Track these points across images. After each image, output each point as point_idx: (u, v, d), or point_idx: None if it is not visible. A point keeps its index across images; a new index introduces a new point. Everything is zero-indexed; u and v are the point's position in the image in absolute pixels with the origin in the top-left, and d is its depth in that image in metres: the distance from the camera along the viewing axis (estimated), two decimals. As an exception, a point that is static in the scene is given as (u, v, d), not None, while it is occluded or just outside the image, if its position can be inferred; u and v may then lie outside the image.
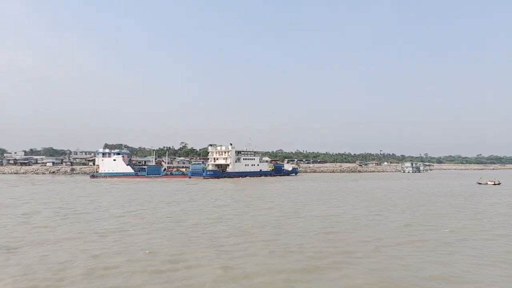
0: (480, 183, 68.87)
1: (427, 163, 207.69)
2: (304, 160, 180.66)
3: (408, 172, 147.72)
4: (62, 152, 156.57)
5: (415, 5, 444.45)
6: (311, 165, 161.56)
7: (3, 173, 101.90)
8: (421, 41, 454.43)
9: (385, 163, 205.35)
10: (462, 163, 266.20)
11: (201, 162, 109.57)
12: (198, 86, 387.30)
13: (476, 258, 15.43)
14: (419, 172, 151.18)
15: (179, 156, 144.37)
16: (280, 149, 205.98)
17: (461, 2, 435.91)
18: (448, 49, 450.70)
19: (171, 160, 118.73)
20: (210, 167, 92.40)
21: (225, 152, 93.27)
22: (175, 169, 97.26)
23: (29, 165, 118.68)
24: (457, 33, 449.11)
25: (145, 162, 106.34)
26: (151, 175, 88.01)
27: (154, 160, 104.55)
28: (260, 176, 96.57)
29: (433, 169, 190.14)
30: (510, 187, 61.87)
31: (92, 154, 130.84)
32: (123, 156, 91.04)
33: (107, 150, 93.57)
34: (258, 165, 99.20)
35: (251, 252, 16.06)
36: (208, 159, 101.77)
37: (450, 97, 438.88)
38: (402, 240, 18.55)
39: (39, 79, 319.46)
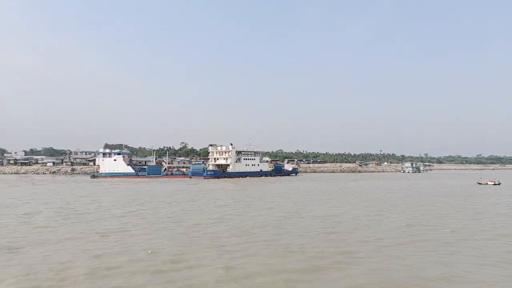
0: (480, 183, 68.88)
1: (427, 163, 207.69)
2: (304, 160, 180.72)
3: (408, 172, 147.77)
4: (62, 152, 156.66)
5: (415, 5, 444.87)
6: (311, 165, 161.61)
7: (4, 173, 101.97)
8: (421, 41, 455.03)
9: (385, 163, 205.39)
10: (462, 163, 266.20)
11: (201, 162, 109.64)
12: (198, 86, 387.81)
13: (477, 258, 15.45)
14: (419, 172, 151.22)
15: (179, 156, 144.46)
16: (280, 149, 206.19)
17: (461, 2, 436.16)
18: (448, 49, 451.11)
19: (172, 160, 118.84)
20: (210, 167, 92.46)
21: (225, 152, 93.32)
22: (176, 169, 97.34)
23: (29, 165, 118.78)
24: (457, 33, 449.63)
25: (145, 162, 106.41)
26: (151, 175, 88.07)
27: (154, 160, 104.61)
28: (261, 176, 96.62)
29: (433, 169, 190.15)
30: (510, 187, 61.89)
31: (92, 154, 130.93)
32: (123, 156, 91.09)
33: (107, 150, 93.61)
34: (258, 165, 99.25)
35: (252, 252, 16.09)
36: (209, 159, 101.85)
37: (450, 97, 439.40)
38: (403, 240, 18.58)
39: (39, 79, 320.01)
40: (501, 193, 49.58)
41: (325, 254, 15.80)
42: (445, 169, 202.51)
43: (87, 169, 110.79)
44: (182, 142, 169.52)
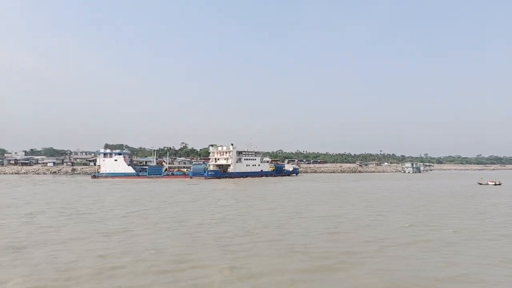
0: (481, 184, 68.93)
1: (427, 164, 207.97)
2: (304, 160, 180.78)
3: (409, 172, 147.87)
4: (63, 152, 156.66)
5: (415, 5, 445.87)
6: (311, 165, 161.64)
7: (4, 173, 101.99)
8: (421, 41, 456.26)
9: (386, 163, 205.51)
10: (462, 163, 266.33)
11: (202, 163, 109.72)
12: (198, 86, 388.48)
13: (481, 258, 15.47)
14: (420, 172, 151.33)
15: (180, 156, 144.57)
16: (280, 149, 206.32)
17: (461, 2, 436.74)
18: (448, 49, 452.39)
19: (172, 161, 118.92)
20: (211, 168, 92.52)
21: (226, 153, 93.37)
22: (176, 169, 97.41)
23: (30, 165, 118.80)
24: (457, 33, 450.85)
25: (146, 162, 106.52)
26: (152, 176, 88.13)
27: (155, 160, 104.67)
28: (261, 176, 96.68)
29: (433, 170, 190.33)
30: (511, 187, 61.91)
31: (93, 154, 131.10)
32: (124, 157, 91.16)
33: (108, 151, 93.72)
34: (259, 165, 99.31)
35: (256, 252, 16.11)
36: (209, 159, 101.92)
37: (450, 97, 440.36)
38: (406, 241, 18.60)
39: (39, 79, 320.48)
40: (502, 193, 49.63)
41: (329, 254, 15.82)
42: (445, 169, 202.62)
43: (87, 169, 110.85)
44: (183, 143, 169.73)
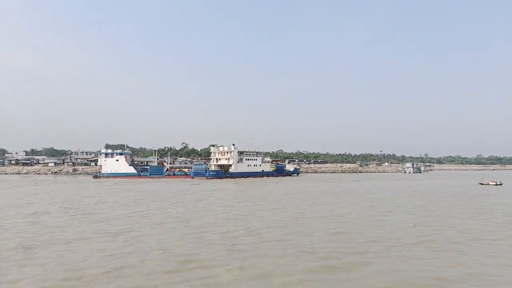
0: (482, 184, 69.05)
1: (427, 164, 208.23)
2: (304, 160, 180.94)
3: (409, 172, 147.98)
4: (63, 153, 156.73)
5: (415, 5, 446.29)
6: (312, 165, 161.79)
7: (5, 174, 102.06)
8: (421, 41, 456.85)
9: (386, 163, 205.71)
10: (462, 163, 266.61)
11: (203, 163, 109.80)
12: (198, 86, 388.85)
13: (486, 258, 15.56)
14: (420, 172, 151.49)
15: (181, 157, 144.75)
16: (281, 150, 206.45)
17: (461, 2, 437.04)
18: (448, 49, 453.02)
19: (173, 161, 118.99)
20: (212, 168, 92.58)
21: (227, 153, 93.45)
22: (178, 169, 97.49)
23: (31, 165, 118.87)
24: (457, 33, 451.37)
25: (147, 162, 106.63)
26: (153, 176, 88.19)
27: (156, 160, 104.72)
28: (263, 176, 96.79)
29: (434, 170, 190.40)
30: (513, 187, 62.02)
31: (93, 154, 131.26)
32: (125, 157, 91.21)
33: (109, 151, 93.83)
34: (260, 165, 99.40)
35: (263, 252, 16.20)
36: (210, 159, 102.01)
37: (450, 97, 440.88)
38: (412, 240, 18.69)
39: (39, 79, 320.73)
40: (503, 193, 49.73)
41: (335, 254, 15.91)
42: (445, 170, 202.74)
43: (88, 169, 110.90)
44: (183, 143, 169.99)
